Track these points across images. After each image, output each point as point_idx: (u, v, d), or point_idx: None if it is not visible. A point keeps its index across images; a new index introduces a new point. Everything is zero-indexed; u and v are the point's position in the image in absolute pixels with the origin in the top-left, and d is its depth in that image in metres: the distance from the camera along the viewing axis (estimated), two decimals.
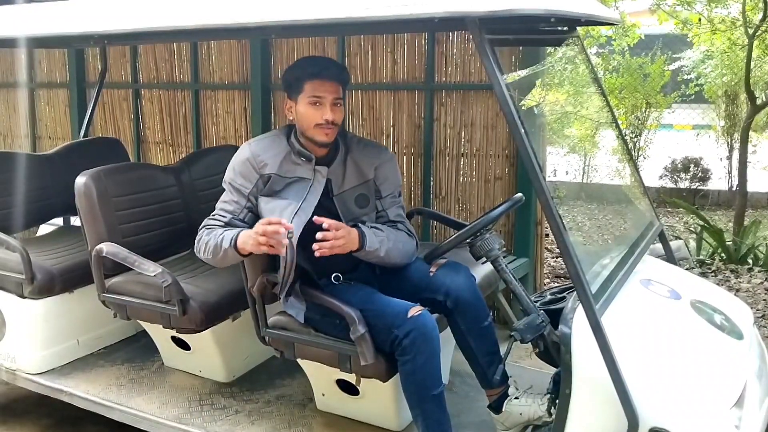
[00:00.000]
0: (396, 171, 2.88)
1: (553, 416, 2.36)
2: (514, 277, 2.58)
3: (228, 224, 2.70)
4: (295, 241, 2.61)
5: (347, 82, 2.72)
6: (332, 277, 2.76)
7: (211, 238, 2.67)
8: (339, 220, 2.71)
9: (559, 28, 2.79)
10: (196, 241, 2.75)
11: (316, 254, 2.50)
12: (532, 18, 2.23)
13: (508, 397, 2.62)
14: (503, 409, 2.61)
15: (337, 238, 2.50)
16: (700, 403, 2.21)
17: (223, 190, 2.79)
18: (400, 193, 2.89)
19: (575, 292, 2.22)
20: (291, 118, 2.72)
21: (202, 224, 2.77)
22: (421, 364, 2.46)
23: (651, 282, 2.70)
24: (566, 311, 2.29)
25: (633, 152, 9.47)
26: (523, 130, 2.11)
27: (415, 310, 2.50)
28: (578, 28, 3.01)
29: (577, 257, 2.13)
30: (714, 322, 2.60)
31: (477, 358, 2.71)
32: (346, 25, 2.65)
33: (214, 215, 2.76)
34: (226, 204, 2.74)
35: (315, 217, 2.53)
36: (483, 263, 2.68)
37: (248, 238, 2.53)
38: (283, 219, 2.50)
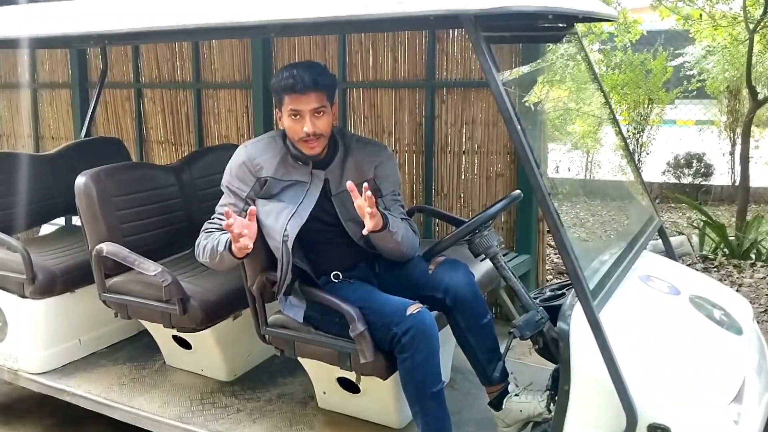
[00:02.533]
0: (395, 169, 2.88)
1: (553, 412, 2.36)
2: (513, 274, 2.57)
3: None
4: (290, 243, 2.62)
5: (330, 86, 2.65)
6: (331, 275, 2.77)
7: (208, 242, 2.68)
8: (337, 220, 2.73)
9: (557, 25, 2.78)
10: (196, 245, 2.77)
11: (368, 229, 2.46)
12: (528, 15, 2.23)
13: (508, 394, 2.62)
14: (503, 406, 2.61)
15: (372, 206, 2.45)
16: (698, 398, 2.21)
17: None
18: (399, 191, 2.89)
19: (574, 289, 2.22)
20: (282, 127, 2.72)
21: (203, 228, 2.78)
22: (420, 361, 2.46)
23: (650, 278, 2.70)
24: (564, 307, 2.29)
25: (636, 148, 9.48)
26: (519, 127, 2.11)
27: (414, 307, 2.50)
28: (577, 24, 3.00)
29: (574, 253, 2.13)
30: (713, 317, 2.60)
31: (477, 356, 2.71)
32: (344, 23, 2.64)
33: (212, 219, 2.77)
34: (224, 207, 2.73)
35: (349, 183, 2.46)
36: (482, 260, 2.67)
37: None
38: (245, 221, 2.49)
